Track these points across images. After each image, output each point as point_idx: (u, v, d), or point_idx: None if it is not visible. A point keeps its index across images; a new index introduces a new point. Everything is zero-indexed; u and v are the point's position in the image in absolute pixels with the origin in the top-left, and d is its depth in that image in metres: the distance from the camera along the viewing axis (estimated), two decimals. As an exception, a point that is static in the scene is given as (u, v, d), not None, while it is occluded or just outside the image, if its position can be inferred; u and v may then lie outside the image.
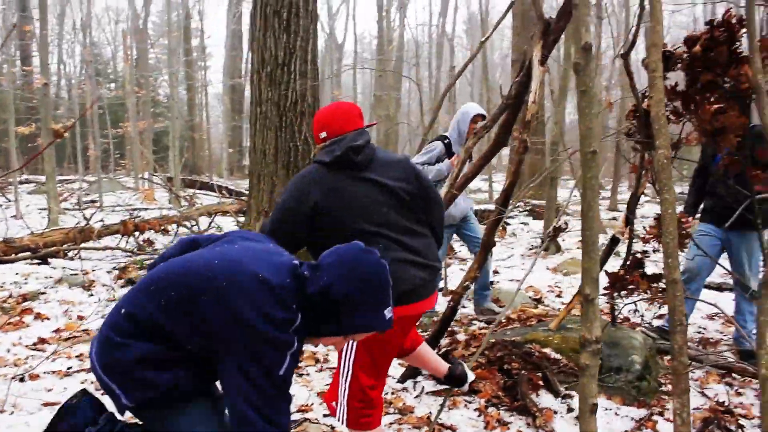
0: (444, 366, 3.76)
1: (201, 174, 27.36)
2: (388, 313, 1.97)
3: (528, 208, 14.87)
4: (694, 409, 3.84)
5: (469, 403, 3.88)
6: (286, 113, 7.24)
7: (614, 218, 15.57)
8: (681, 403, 2.49)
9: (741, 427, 3.69)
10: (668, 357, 4.78)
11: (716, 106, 3.09)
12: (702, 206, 5.17)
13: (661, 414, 3.82)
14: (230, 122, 32.96)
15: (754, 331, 4.94)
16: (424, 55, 36.23)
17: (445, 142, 5.66)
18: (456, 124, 5.71)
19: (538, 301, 6.70)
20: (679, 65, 3.54)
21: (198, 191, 17.16)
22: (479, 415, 3.75)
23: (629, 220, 4.18)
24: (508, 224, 12.57)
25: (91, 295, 6.54)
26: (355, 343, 2.84)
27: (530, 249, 10.43)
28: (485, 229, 4.58)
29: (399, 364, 4.55)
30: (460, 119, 5.69)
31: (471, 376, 3.88)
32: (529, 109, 4.40)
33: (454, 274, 7.55)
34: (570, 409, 3.79)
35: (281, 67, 7.25)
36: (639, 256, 4.37)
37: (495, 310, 5.89)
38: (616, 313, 4.87)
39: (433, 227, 3.01)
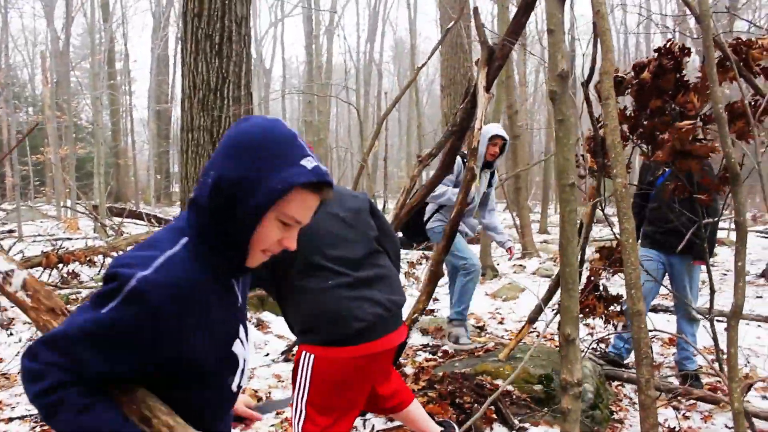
0: (435, 429, 3.53)
1: (127, 201, 26.49)
2: (306, 162, 1.42)
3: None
4: (648, 437, 3.81)
5: (423, 440, 3.73)
6: (219, 140, 7.01)
7: (545, 241, 15.83)
8: (652, 440, 2.42)
9: (694, 453, 3.68)
10: (616, 383, 4.77)
11: (689, 124, 3.09)
12: (642, 231, 5.22)
13: (616, 444, 3.77)
14: (157, 148, 32.10)
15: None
16: (351, 80, 36.39)
17: (464, 161, 5.36)
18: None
19: (481, 329, 6.64)
20: (628, 91, 3.57)
21: (125, 219, 16.55)
22: (434, 453, 3.60)
23: (582, 247, 4.17)
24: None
25: (11, 334, 6.10)
26: (306, 383, 2.67)
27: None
28: (432, 259, 4.48)
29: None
30: (479, 140, 5.41)
31: None
32: (475, 136, 4.36)
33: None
34: (526, 443, 3.69)
35: (214, 92, 7.04)
36: (593, 279, 4.38)
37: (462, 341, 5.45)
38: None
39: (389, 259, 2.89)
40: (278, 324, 6.24)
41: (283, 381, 4.79)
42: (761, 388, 4.79)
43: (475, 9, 4.45)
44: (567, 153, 1.85)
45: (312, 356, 2.63)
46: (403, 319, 2.92)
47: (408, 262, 10.58)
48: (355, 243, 2.73)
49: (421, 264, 10.60)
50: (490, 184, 5.55)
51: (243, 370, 1.56)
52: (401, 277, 9.54)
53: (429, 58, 6.71)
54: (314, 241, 2.64)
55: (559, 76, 1.80)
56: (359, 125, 9.08)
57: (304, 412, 2.70)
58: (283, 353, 5.48)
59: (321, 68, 29.52)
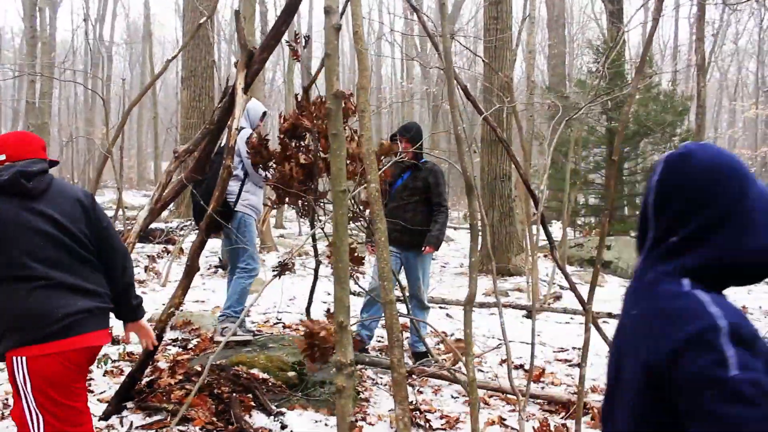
0: None
1: None
2: None
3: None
4: (389, 410, 4.29)
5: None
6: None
7: (281, 236, 16.22)
8: (402, 409, 2.80)
9: (428, 421, 4.24)
10: (360, 366, 5.23)
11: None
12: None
13: (363, 419, 4.18)
14: None
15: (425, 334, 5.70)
16: (77, 61, 33.82)
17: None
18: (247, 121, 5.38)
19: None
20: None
21: None
22: (195, 444, 3.72)
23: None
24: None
25: None
26: (29, 388, 2.60)
27: (208, 269, 10.40)
28: (189, 254, 4.53)
29: (98, 399, 4.29)
30: (251, 118, 5.42)
31: None
32: (232, 136, 4.50)
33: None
34: (283, 426, 3.94)
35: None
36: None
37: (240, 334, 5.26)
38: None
39: (109, 269, 2.86)
40: None
41: None
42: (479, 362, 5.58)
43: (237, 12, 4.58)
44: (339, 163, 2.12)
45: (24, 359, 2.56)
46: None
47: (148, 256, 10.31)
48: (68, 249, 2.70)
49: (162, 258, 10.37)
50: None
51: None
52: (141, 271, 9.27)
53: (180, 51, 6.65)
54: (29, 242, 2.61)
55: (334, 95, 2.05)
56: (104, 113, 8.61)
57: (41, 417, 2.62)
58: None
59: (45, 44, 26.95)
